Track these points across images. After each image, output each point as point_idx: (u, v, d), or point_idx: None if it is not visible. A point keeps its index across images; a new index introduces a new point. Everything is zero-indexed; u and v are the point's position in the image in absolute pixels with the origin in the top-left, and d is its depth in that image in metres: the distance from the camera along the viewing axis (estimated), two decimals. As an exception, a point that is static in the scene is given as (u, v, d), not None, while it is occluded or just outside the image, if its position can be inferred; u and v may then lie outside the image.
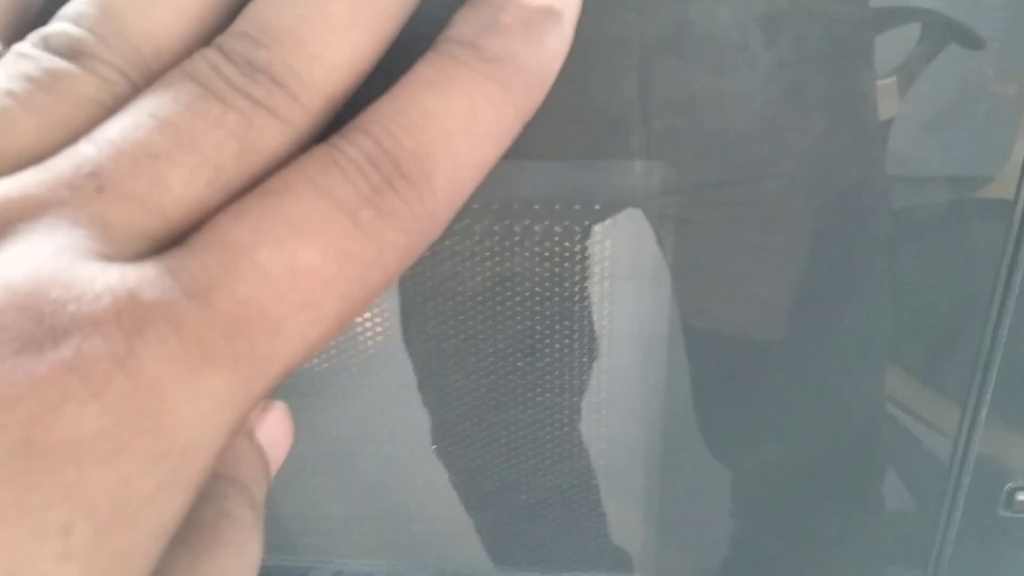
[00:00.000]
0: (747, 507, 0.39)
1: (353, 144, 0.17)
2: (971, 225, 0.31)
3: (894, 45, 0.31)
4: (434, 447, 0.40)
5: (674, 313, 0.36)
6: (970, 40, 0.29)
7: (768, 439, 0.37)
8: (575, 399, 0.39)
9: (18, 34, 0.18)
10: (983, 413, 0.31)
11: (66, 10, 0.18)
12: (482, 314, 0.36)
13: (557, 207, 0.34)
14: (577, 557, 0.40)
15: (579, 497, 0.39)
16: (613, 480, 0.39)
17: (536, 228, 0.34)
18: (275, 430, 0.20)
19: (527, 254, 0.35)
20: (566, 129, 0.32)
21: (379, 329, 0.39)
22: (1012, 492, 0.32)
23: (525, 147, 0.32)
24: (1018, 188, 0.28)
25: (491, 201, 0.33)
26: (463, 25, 0.19)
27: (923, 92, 0.31)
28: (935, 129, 0.31)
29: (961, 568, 0.35)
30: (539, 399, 0.38)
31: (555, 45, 0.19)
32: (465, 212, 0.34)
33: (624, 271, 0.35)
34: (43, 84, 0.17)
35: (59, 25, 0.18)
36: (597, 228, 0.35)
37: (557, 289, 0.36)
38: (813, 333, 0.34)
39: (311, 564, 0.41)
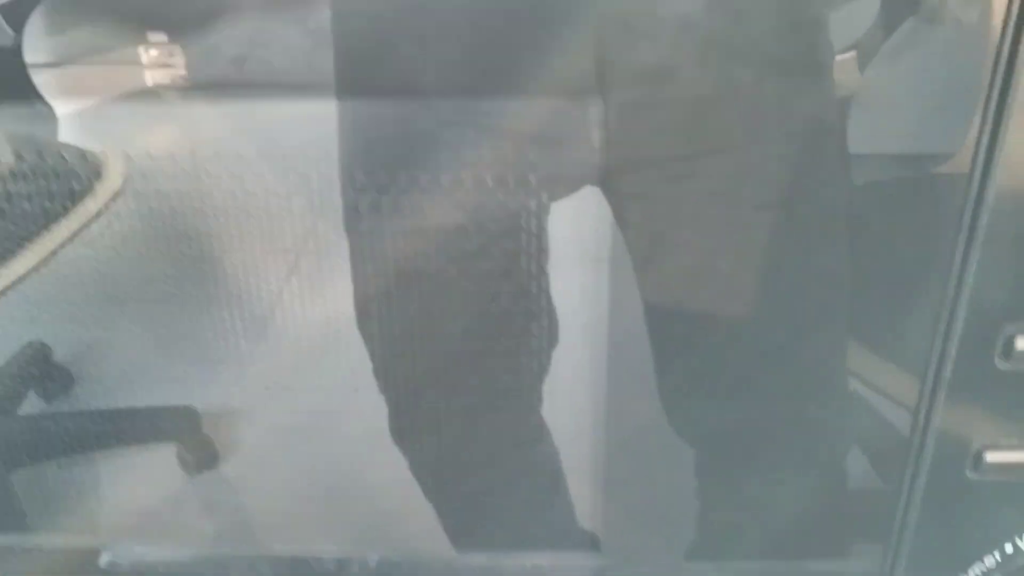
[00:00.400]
0: (710, 484, 0.38)
1: None
2: (930, 199, 0.31)
3: (852, 19, 0.31)
4: (392, 433, 0.39)
5: (627, 294, 0.35)
6: (929, 15, 0.29)
7: (731, 414, 0.37)
8: (534, 381, 0.38)
9: None
10: (944, 385, 0.31)
11: None
12: (439, 295, 0.35)
13: (515, 183, 0.33)
14: (539, 536, 0.40)
15: (538, 476, 0.39)
16: (570, 460, 0.39)
17: (493, 205, 0.33)
18: None
19: (485, 232, 0.34)
20: (522, 101, 0.32)
21: (329, 314, 0.38)
22: (980, 452, 0.33)
23: (478, 119, 0.32)
24: (973, 162, 0.28)
25: (447, 176, 0.33)
26: None
27: (883, 69, 0.31)
28: (895, 107, 0.31)
29: (929, 536, 0.35)
30: (497, 382, 0.37)
31: None
32: (420, 189, 0.33)
33: (566, 252, 0.35)
34: None
35: None
36: (555, 207, 0.34)
37: (516, 270, 0.35)
38: (775, 307, 0.34)
39: (259, 552, 0.40)
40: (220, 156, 0.34)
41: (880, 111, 0.32)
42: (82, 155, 0.35)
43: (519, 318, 0.36)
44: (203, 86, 0.33)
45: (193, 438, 0.45)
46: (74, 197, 0.36)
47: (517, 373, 0.37)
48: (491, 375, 0.37)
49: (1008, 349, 0.30)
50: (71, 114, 0.35)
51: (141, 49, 0.33)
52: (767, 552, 0.39)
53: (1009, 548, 0.35)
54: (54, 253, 0.39)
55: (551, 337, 0.37)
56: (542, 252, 0.35)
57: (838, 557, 0.38)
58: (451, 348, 0.36)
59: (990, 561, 0.35)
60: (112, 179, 0.36)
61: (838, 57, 0.31)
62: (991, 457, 0.33)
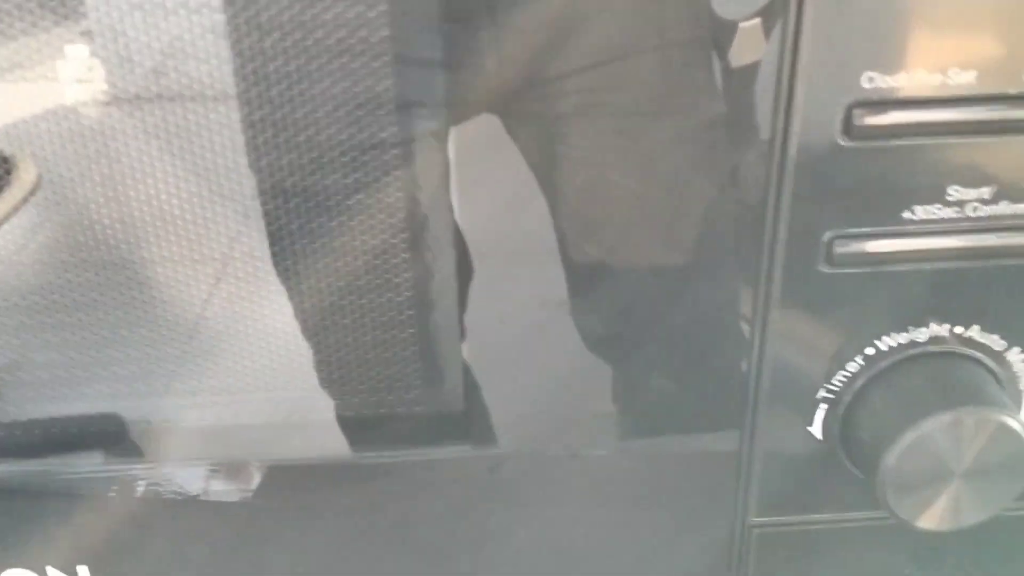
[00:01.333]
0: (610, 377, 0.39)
1: None
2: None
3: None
4: (316, 375, 0.40)
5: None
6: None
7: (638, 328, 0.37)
8: (448, 316, 0.39)
9: None
10: (790, 165, 0.32)
11: None
12: (344, 226, 0.36)
13: (412, 108, 0.34)
14: (431, 432, 0.40)
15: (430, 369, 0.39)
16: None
17: (391, 130, 0.34)
18: None
19: (385, 158, 0.35)
20: (410, 26, 0.33)
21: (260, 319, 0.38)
22: (831, 243, 0.32)
23: (372, 44, 0.33)
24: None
25: (346, 100, 0.34)
26: None
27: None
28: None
29: (787, 346, 0.35)
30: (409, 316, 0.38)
31: None
32: (318, 109, 0.34)
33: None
34: None
35: None
36: (453, 132, 0.35)
37: (418, 197, 0.36)
38: (679, 216, 0.35)
39: (145, 466, 0.40)
40: (142, 165, 0.35)
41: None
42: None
43: (423, 250, 0.37)
44: (123, 99, 0.34)
45: (119, 446, 0.45)
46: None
47: (431, 307, 0.38)
48: (402, 309, 0.38)
49: (847, 126, 0.31)
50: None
51: (60, 64, 0.34)
52: (655, 431, 0.40)
53: (871, 351, 0.35)
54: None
55: (465, 269, 0.37)
56: (444, 179, 0.36)
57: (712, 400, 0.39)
58: (360, 283, 0.37)
59: (853, 367, 0.35)
60: (24, 179, 0.37)
61: (742, 24, 0.32)
62: (842, 247, 0.33)
